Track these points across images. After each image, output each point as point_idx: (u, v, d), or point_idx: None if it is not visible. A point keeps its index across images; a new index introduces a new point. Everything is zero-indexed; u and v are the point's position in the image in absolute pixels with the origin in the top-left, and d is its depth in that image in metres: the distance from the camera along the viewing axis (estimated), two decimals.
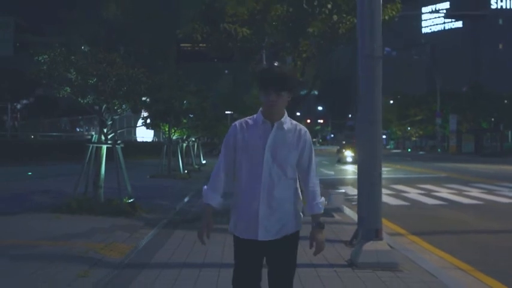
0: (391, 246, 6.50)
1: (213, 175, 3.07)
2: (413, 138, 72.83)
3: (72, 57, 8.59)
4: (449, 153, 52.01)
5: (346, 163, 34.60)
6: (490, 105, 51.30)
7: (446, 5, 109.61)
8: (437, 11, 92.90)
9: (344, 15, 8.76)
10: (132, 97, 8.92)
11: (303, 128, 3.08)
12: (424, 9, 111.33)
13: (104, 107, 9.21)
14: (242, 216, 3.00)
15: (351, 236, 7.14)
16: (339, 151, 39.61)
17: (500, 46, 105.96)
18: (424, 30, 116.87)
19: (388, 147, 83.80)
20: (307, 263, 5.73)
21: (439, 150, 58.26)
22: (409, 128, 68.59)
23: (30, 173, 18.14)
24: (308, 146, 3.05)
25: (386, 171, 25.74)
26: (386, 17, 8.91)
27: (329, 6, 8.46)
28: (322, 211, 3.09)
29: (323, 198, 3.10)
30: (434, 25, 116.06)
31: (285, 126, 2.99)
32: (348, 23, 8.75)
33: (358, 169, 6.60)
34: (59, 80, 8.51)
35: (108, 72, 8.40)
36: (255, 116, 3.05)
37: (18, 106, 50.28)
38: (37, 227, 7.70)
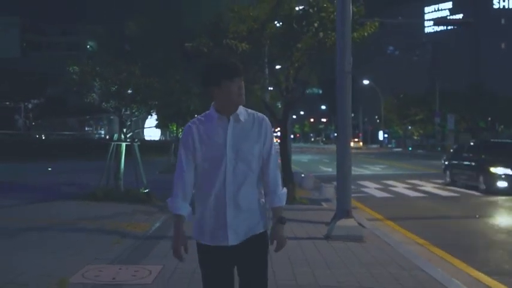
0: (361, 224, 8.02)
1: (176, 182, 2.77)
2: (415, 137, 74.22)
3: (98, 68, 10.14)
4: (447, 152, 53.44)
5: (496, 190, 14.35)
6: (487, 105, 52.68)
7: (449, 4, 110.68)
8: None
9: (329, 31, 10.25)
10: (148, 102, 10.47)
11: (262, 116, 2.85)
12: (426, 9, 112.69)
13: (123, 110, 10.75)
14: (208, 222, 2.73)
15: (331, 218, 8.65)
16: (483, 167, 15.14)
17: (503, 46, 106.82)
18: (427, 30, 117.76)
19: (389, 145, 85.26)
20: (291, 236, 7.27)
21: (438, 149, 59.65)
22: (409, 127, 70.00)
23: (50, 169, 19.76)
24: (269, 135, 2.82)
25: (381, 168, 27.30)
26: (366, 34, 10.41)
27: (315, 25, 9.98)
28: (284, 203, 2.88)
29: (285, 190, 2.90)
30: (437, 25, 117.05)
31: (242, 118, 2.76)
32: (332, 38, 10.23)
33: (337, 165, 8.12)
34: (87, 87, 10.07)
35: (128, 81, 9.95)
36: (207, 112, 2.82)
37: (30, 106, 51.92)
38: (72, 211, 9.30)
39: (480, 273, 6.00)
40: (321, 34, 10.12)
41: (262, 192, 2.86)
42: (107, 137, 47.79)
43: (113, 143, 10.90)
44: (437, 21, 60.11)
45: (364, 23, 10.57)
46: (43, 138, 41.55)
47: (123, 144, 10.92)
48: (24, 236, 7.17)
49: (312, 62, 11.73)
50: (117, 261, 5.84)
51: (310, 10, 10.01)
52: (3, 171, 17.77)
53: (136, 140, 11.08)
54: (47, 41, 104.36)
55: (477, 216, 10.66)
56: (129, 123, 10.95)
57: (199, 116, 2.85)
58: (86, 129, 58.46)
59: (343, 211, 7.58)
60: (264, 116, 2.85)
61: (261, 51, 10.69)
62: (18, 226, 7.83)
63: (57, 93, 51.18)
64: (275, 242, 2.82)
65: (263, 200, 2.85)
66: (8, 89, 45.67)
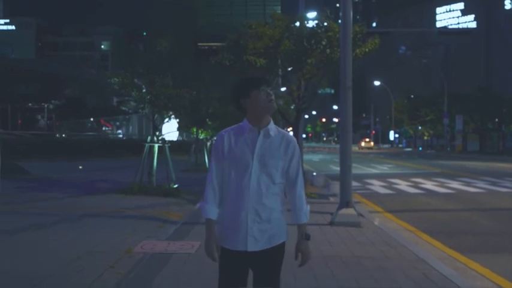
0: (361, 215, 9.56)
1: (207, 188, 3.00)
2: (426, 137, 75.33)
3: (135, 79, 11.78)
4: (455, 152, 54.68)
5: None
6: (495, 106, 53.78)
7: (461, 5, 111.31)
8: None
9: (335, 48, 11.77)
10: (178, 109, 12.10)
11: (290, 137, 3.04)
12: (438, 10, 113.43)
13: (156, 116, 12.38)
14: (230, 227, 2.94)
15: (335, 210, 10.19)
16: None
17: None
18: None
19: (400, 145, 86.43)
20: None
21: (448, 149, 60.81)
22: (420, 128, 71.16)
23: (81, 167, 21.47)
24: (296, 155, 3.02)
25: (388, 167, 28.66)
26: (367, 49, 11.92)
27: (323, 43, 11.54)
28: (308, 219, 3.06)
29: (309, 207, 3.08)
30: (449, 25, 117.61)
31: (272, 133, 2.96)
32: (338, 54, 11.76)
33: (340, 163, 9.67)
34: (126, 96, 11.71)
35: (161, 91, 11.57)
36: (241, 123, 3.03)
37: (51, 107, 53.83)
38: (115, 202, 10.94)
39: (454, 252, 7.49)
40: (328, 51, 11.65)
41: (283, 204, 3.04)
42: (124, 137, 49.63)
43: (146, 144, 12.53)
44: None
45: (367, 39, 12.06)
46: (66, 137, 43.46)
47: (156, 146, 12.54)
48: (83, 221, 8.81)
49: (321, 72, 13.25)
50: (164, 239, 7.43)
51: (318, 30, 11.59)
52: (39, 169, 19.51)
53: (167, 141, 12.71)
54: (62, 41, 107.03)
55: None
56: (160, 126, 12.57)
57: (233, 126, 3.08)
58: (104, 129, 60.49)
59: (344, 202, 9.13)
60: (294, 137, 3.10)
61: (276, 65, 12.26)
62: (75, 214, 9.49)
63: (76, 94, 53.08)
64: (300, 256, 3.02)
65: (283, 212, 3.03)
66: (29, 91, 47.57)
